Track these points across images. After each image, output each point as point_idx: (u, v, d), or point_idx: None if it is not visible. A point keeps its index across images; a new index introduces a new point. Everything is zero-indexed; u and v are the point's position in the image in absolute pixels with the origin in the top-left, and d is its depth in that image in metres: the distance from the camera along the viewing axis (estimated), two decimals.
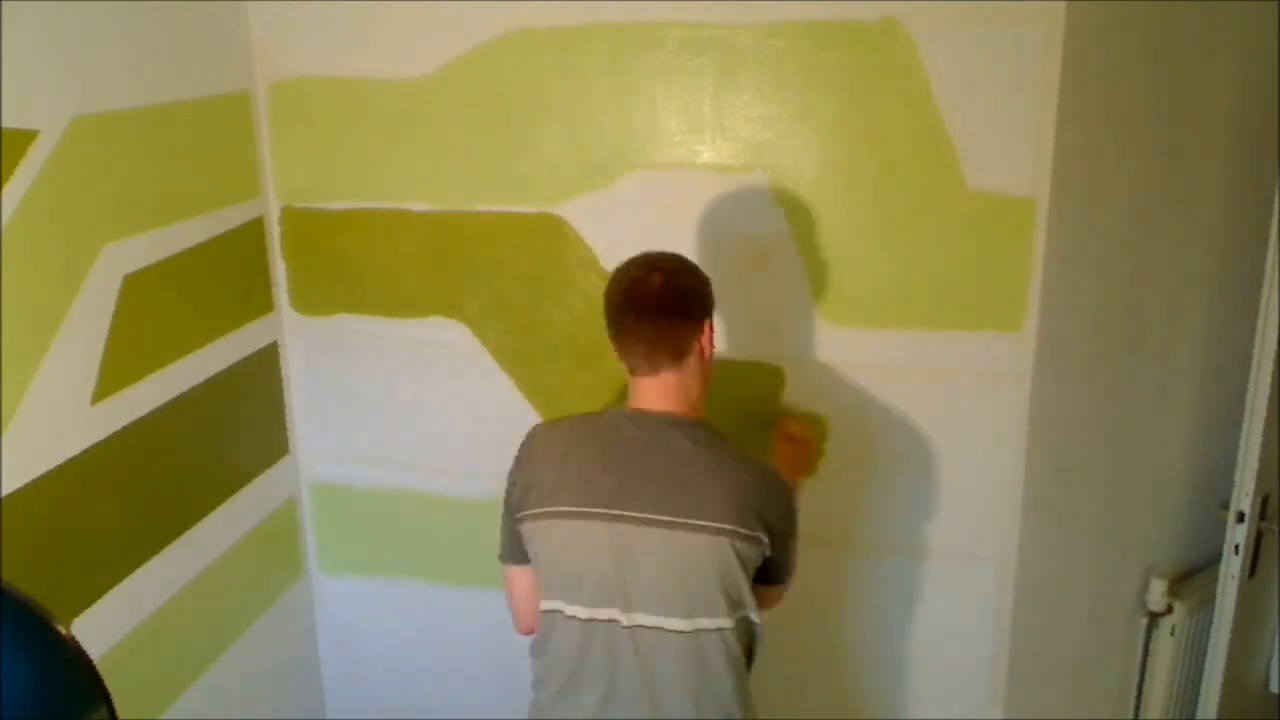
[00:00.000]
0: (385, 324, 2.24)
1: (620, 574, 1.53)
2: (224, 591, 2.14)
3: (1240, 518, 2.10)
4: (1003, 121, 1.84)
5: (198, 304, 2.02)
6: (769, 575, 1.62)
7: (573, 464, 1.58)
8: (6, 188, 1.56)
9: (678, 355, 1.59)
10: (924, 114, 1.85)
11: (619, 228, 2.05)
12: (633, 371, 1.63)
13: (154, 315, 1.89)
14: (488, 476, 2.28)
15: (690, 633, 1.53)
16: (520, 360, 2.20)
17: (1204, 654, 2.24)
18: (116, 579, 1.84)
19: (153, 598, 1.93)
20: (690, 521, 1.51)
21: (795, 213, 1.96)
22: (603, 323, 2.11)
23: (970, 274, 1.94)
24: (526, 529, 1.60)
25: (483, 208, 2.11)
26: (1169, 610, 2.34)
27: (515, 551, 1.66)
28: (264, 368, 2.25)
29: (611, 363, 2.15)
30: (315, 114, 2.13)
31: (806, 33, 1.87)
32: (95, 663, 0.93)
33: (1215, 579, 2.17)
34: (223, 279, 2.09)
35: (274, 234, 2.22)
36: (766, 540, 1.54)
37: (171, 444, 1.96)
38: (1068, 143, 1.83)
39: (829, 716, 2.25)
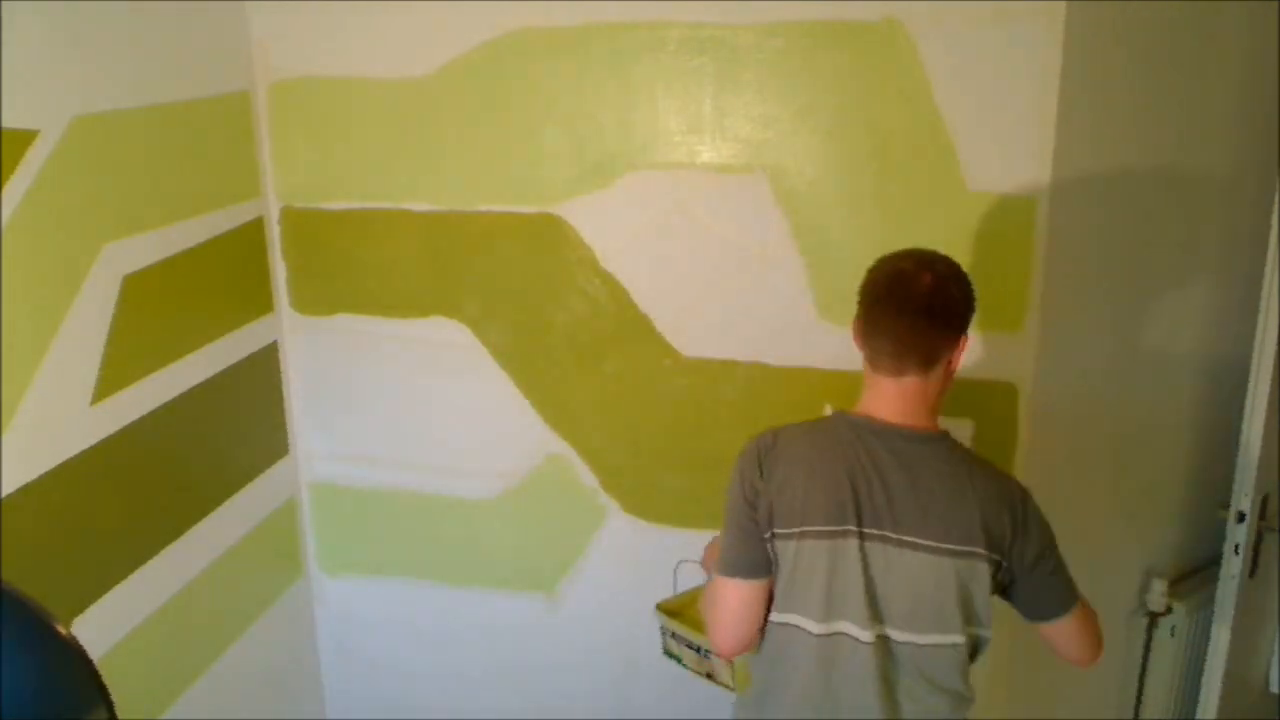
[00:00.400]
0: (385, 324, 2.24)
1: (867, 592, 1.50)
2: (224, 591, 2.14)
3: (1240, 518, 2.10)
4: (1003, 121, 1.84)
5: (198, 304, 2.02)
6: (1043, 608, 1.57)
7: (819, 481, 1.51)
8: (6, 188, 1.56)
9: (927, 363, 1.50)
10: (924, 114, 1.85)
11: (619, 228, 2.06)
12: (873, 366, 1.54)
13: (154, 315, 1.89)
14: (488, 476, 2.29)
15: (928, 646, 1.52)
16: (520, 360, 2.20)
17: (1204, 654, 2.24)
18: (116, 579, 1.84)
19: (153, 598, 1.93)
20: (938, 545, 1.48)
21: (795, 213, 1.96)
22: (603, 323, 2.12)
23: (970, 274, 1.93)
24: (778, 547, 1.53)
25: (483, 208, 2.11)
26: (1169, 610, 2.34)
27: (746, 566, 1.56)
28: (264, 368, 2.25)
29: (611, 362, 2.16)
30: (315, 114, 2.13)
31: (806, 33, 1.87)
32: (95, 663, 0.93)
33: (1215, 579, 2.17)
34: (223, 279, 2.09)
35: (274, 234, 2.22)
36: (1005, 561, 1.53)
37: (171, 444, 1.96)
38: (1067, 143, 1.83)
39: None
